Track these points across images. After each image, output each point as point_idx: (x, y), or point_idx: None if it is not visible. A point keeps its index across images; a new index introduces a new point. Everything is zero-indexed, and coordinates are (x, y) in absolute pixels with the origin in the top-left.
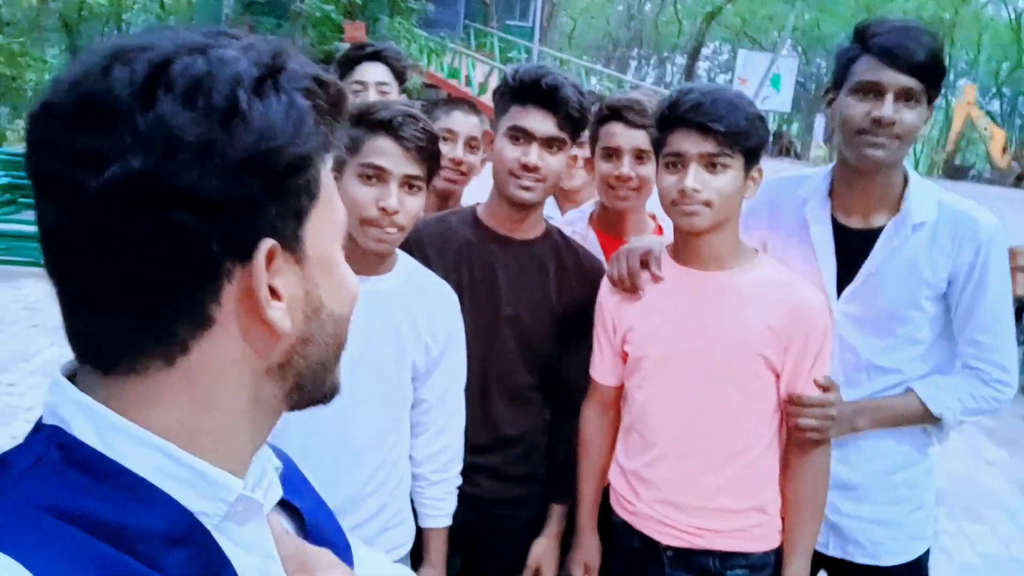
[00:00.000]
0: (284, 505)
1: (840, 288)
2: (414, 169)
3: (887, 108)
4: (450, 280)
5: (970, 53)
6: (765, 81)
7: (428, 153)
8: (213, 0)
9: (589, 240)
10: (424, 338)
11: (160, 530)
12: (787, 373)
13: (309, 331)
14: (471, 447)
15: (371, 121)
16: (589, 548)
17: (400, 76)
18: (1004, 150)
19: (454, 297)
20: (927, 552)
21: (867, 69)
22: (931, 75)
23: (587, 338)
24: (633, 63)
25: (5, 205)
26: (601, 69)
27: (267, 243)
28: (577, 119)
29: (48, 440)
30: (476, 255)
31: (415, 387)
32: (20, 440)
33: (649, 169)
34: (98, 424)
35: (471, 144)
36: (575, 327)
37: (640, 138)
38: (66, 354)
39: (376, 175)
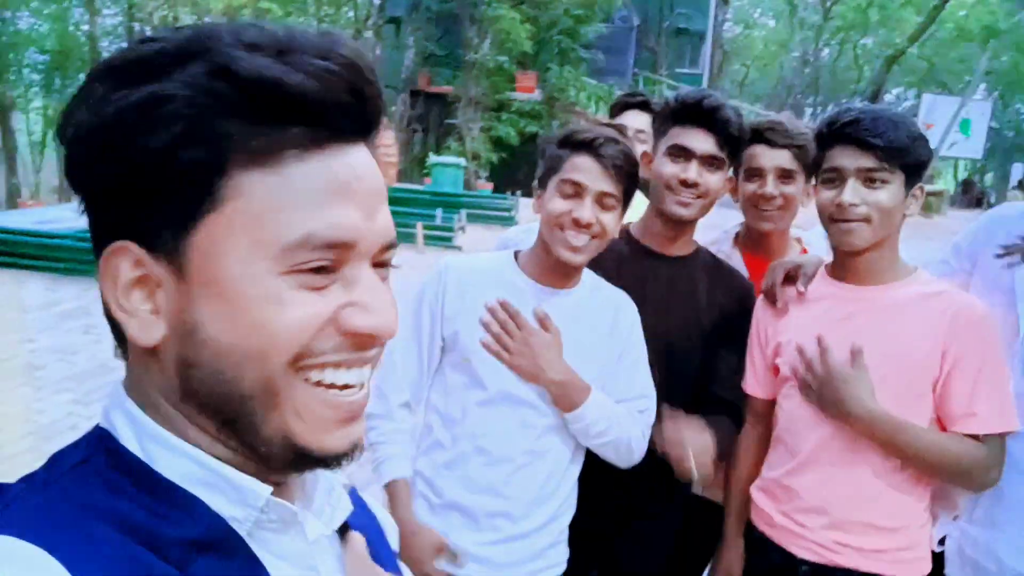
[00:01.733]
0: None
1: None
2: (610, 187)
3: None
4: None
5: None
6: (953, 126)
7: (625, 173)
8: (395, 54)
9: (734, 260)
10: (603, 345)
11: (194, 536)
12: (941, 383)
13: (187, 355)
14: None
15: (574, 141)
16: (732, 560)
17: None
18: None
19: (632, 307)
20: None
21: None
22: None
23: (735, 357)
24: (808, 110)
25: None
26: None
27: (117, 244)
28: (736, 139)
29: (97, 442)
30: (627, 270)
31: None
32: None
33: (793, 188)
34: (137, 431)
35: None
36: (723, 346)
37: (783, 158)
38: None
39: (574, 190)
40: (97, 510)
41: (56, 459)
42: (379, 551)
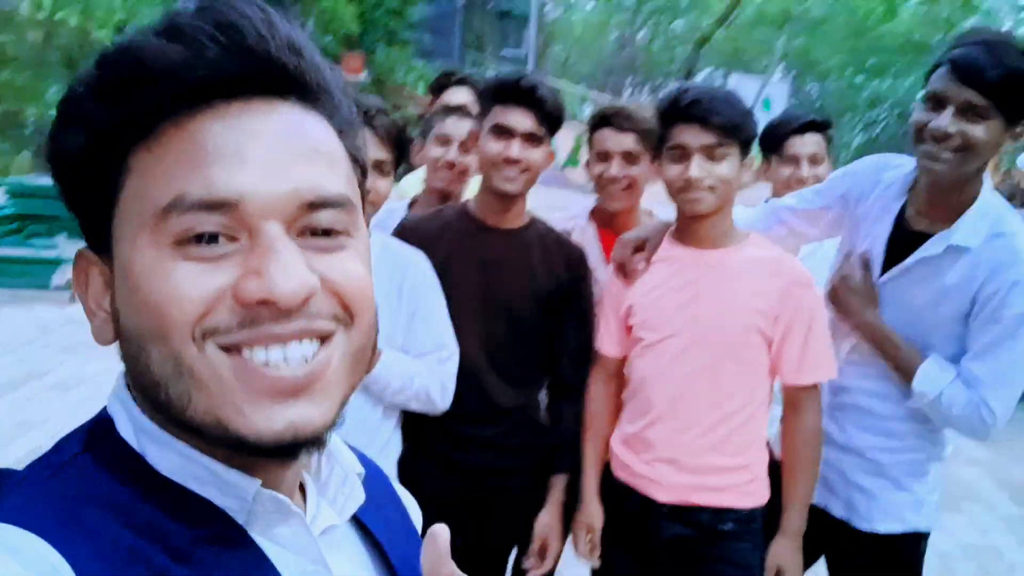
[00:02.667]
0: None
1: None
2: (383, 154)
3: (942, 120)
4: (443, 269)
5: None
6: (756, 104)
7: (396, 141)
8: None
9: (588, 234)
10: (393, 305)
11: (194, 527)
12: (776, 342)
13: (122, 348)
14: (468, 419)
15: None
16: (592, 512)
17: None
18: (996, 167)
19: (424, 263)
20: (917, 537)
21: (937, 80)
22: (1003, 93)
23: (576, 317)
24: (627, 90)
25: (14, 233)
26: (596, 96)
27: (80, 250)
28: (554, 116)
29: (101, 430)
30: (467, 244)
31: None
32: (37, 452)
33: (637, 170)
34: (133, 422)
35: (466, 147)
36: (562, 308)
37: (628, 142)
38: (78, 371)
39: None
40: (98, 500)
41: (60, 446)
42: (405, 537)
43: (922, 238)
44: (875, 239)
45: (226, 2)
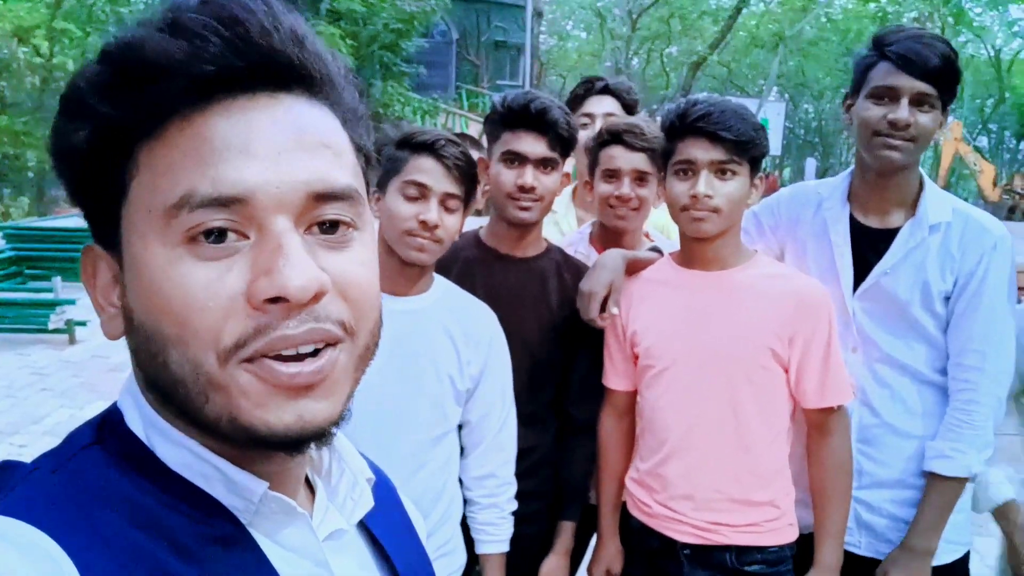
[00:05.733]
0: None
1: (856, 284)
2: (453, 188)
3: (902, 111)
4: None
5: None
6: None
7: (466, 174)
8: None
9: (591, 259)
10: (462, 355)
11: (199, 525)
12: (795, 363)
13: (134, 344)
14: None
15: (415, 143)
16: (610, 554)
17: (629, 109)
18: (994, 183)
19: (492, 316)
20: (965, 556)
21: (884, 74)
22: (944, 81)
23: (591, 351)
24: None
25: (11, 277)
26: None
27: (87, 246)
28: (566, 139)
29: (110, 424)
30: (479, 274)
31: (460, 408)
32: None
33: (647, 191)
34: (143, 416)
35: None
36: (578, 341)
37: (639, 160)
38: (75, 416)
39: (418, 192)
40: (104, 494)
41: (70, 439)
42: (410, 546)
43: (882, 234)
44: (841, 242)
45: None
